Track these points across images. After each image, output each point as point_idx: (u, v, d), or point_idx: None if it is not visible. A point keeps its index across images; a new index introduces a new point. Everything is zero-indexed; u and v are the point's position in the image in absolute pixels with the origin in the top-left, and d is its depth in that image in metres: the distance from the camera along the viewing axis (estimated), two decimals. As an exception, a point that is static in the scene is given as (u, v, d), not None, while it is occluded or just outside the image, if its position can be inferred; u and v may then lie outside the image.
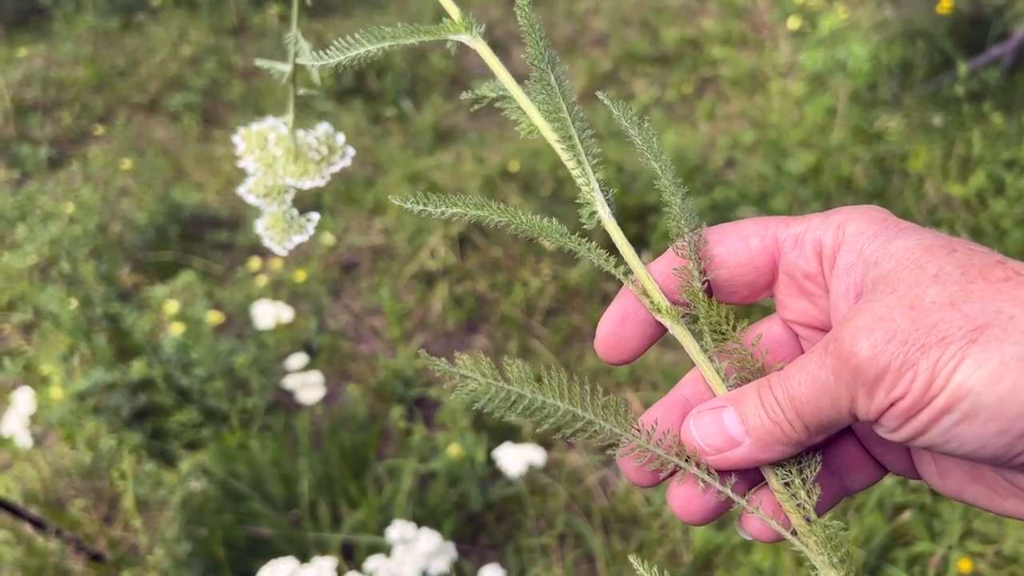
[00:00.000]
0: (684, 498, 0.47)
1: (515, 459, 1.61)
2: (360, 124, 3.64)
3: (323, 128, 0.69)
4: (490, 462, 2.01)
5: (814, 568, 0.45)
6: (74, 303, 2.29)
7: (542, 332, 2.56)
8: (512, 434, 2.15)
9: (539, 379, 0.46)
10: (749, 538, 0.48)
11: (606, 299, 2.62)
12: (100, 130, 3.77)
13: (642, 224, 2.77)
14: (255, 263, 2.69)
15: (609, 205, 0.50)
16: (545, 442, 2.17)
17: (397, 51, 3.99)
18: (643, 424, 0.47)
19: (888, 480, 1.89)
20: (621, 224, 0.51)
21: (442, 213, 0.48)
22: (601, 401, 0.47)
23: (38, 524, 1.79)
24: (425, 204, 0.48)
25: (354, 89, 3.92)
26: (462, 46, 0.53)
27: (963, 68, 2.84)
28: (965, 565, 1.71)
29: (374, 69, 3.91)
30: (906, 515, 1.85)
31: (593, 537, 1.96)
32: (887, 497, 1.86)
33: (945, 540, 1.78)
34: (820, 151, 2.87)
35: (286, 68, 0.67)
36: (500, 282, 2.73)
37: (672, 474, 0.47)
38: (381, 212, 3.11)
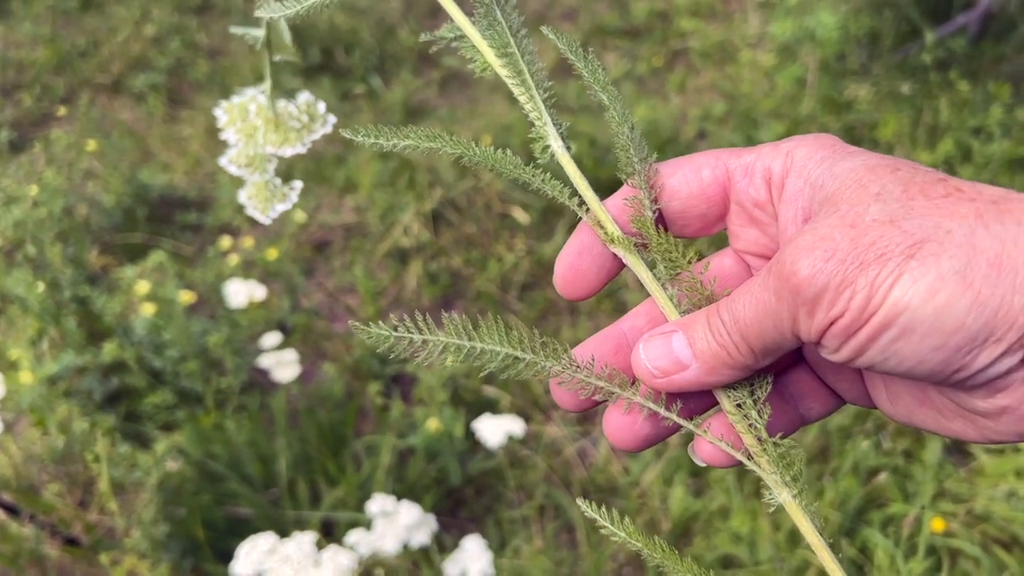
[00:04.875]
0: (615, 425, 0.48)
1: (494, 430, 1.61)
2: (329, 101, 3.59)
3: (303, 97, 0.70)
4: (468, 436, 2.01)
5: (767, 488, 0.46)
6: (41, 286, 2.25)
7: (518, 307, 2.56)
8: (490, 407, 2.15)
9: (476, 326, 0.48)
10: (702, 464, 0.48)
11: (581, 272, 2.62)
12: (62, 111, 3.69)
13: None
14: (226, 242, 2.66)
15: (563, 139, 0.50)
16: (523, 414, 2.17)
17: (365, 27, 3.95)
18: (578, 358, 0.48)
19: (863, 443, 1.91)
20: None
21: (394, 146, 0.49)
22: (539, 340, 0.47)
23: (11, 510, 1.76)
24: (376, 137, 0.49)
25: (322, 66, 3.87)
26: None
27: (930, 37, 2.86)
28: (938, 524, 1.74)
29: (342, 45, 3.86)
30: (880, 477, 1.88)
31: (572, 508, 1.97)
32: (861, 460, 1.89)
33: (918, 501, 1.81)
34: (791, 121, 2.88)
35: (259, 33, 0.67)
36: (475, 258, 2.72)
37: (606, 401, 0.48)
38: (352, 190, 3.08)
